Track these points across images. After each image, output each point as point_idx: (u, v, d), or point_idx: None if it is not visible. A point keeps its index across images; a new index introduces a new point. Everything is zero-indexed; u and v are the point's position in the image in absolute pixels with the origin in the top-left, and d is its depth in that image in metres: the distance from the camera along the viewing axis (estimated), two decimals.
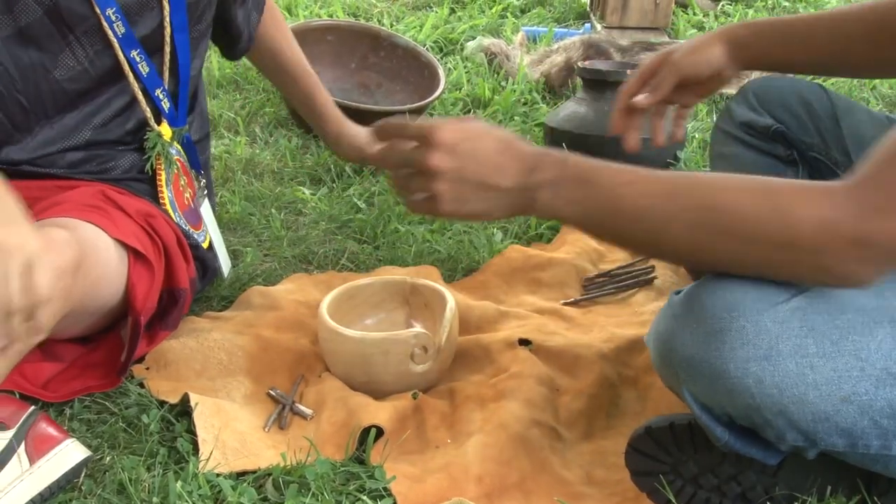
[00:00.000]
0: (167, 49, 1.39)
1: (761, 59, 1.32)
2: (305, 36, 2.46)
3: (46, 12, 1.25)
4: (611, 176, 0.98)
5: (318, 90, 1.84)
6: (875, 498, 1.03)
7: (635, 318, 1.55)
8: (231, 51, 1.69)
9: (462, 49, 2.99)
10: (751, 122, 1.47)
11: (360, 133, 1.89)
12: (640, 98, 1.34)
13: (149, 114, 1.40)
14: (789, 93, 1.46)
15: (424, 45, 2.83)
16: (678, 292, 0.99)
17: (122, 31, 1.32)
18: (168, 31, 1.38)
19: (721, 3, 3.47)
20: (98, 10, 1.29)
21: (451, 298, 1.39)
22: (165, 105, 1.41)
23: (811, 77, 1.89)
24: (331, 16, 3.22)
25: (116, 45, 1.32)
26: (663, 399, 1.29)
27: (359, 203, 1.96)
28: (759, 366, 0.90)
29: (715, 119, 2.47)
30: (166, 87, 1.40)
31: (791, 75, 1.64)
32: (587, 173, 0.99)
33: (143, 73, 1.36)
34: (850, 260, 0.86)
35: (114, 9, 1.30)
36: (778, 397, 0.90)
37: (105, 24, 1.30)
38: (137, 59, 1.35)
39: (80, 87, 1.32)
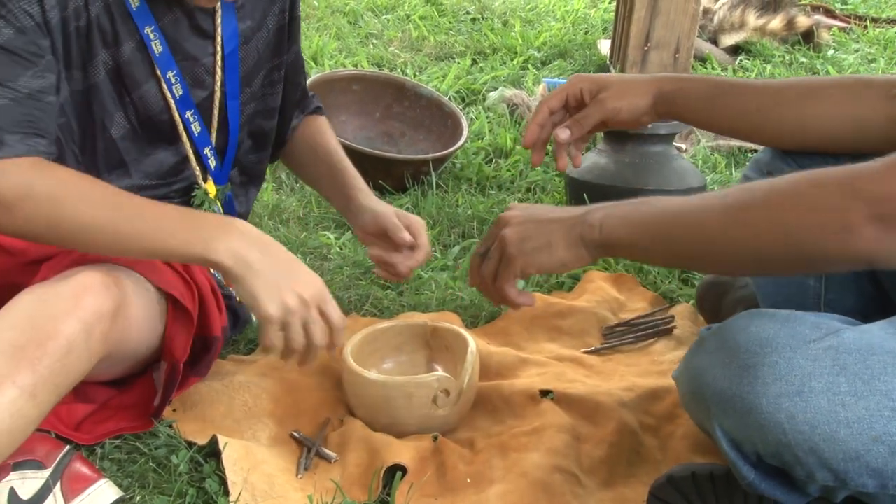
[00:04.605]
0: (216, 112, 1.43)
1: (684, 115, 1.34)
2: (332, 85, 2.52)
3: (108, 72, 1.30)
4: (659, 199, 1.09)
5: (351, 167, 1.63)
6: None
7: (655, 367, 1.56)
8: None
9: (484, 99, 3.04)
10: None
11: (387, 209, 1.55)
12: (563, 135, 1.35)
13: (198, 172, 1.44)
14: None
15: (447, 96, 2.88)
16: (708, 328, 1.01)
17: (180, 93, 1.36)
18: (219, 95, 1.42)
19: (739, 58, 3.52)
20: (159, 73, 1.33)
21: (473, 342, 1.42)
22: (212, 163, 1.45)
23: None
24: (356, 65, 3.28)
25: (173, 106, 1.36)
26: (684, 447, 1.30)
27: None
28: (792, 402, 0.91)
29: (734, 171, 2.50)
30: (214, 145, 1.45)
31: None
32: (638, 202, 1.10)
33: (195, 132, 1.40)
34: (870, 220, 0.90)
35: (174, 72, 1.34)
36: (809, 434, 0.91)
37: (164, 85, 1.34)
38: (191, 119, 1.39)
39: (129, 145, 1.36)
